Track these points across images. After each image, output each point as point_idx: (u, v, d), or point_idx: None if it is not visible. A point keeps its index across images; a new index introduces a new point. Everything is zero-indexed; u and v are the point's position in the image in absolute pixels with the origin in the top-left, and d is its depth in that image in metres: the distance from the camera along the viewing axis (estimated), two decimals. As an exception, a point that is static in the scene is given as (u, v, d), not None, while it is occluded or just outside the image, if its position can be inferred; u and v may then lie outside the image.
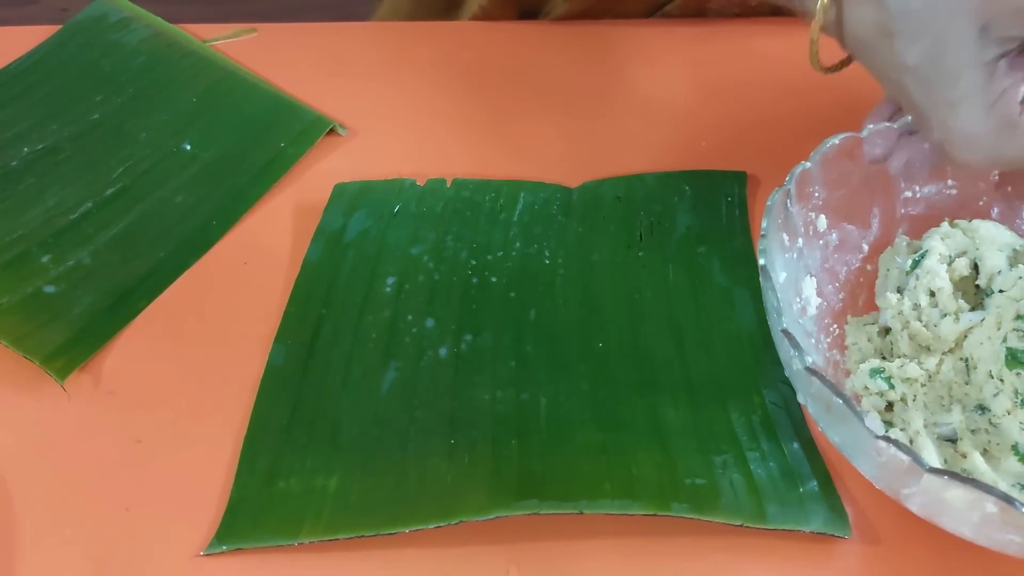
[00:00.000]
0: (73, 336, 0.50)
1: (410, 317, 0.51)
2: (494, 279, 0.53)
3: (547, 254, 0.54)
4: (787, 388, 0.47)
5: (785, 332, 0.39)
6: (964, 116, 0.40)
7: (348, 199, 0.57)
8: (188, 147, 0.61)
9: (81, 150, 0.61)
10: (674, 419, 0.46)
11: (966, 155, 0.42)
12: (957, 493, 0.35)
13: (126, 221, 0.56)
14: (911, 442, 0.42)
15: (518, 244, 0.55)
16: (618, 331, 0.50)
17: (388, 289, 0.52)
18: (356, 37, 0.71)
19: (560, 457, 0.44)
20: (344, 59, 0.69)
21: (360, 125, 0.63)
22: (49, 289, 0.52)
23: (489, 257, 0.54)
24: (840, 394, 0.36)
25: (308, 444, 0.45)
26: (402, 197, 0.57)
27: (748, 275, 0.52)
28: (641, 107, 0.63)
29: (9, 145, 0.61)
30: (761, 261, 0.42)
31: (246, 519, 0.43)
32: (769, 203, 0.44)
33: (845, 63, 0.49)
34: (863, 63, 0.45)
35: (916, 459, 0.35)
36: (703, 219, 0.55)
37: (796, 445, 0.45)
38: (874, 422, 0.36)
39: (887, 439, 0.35)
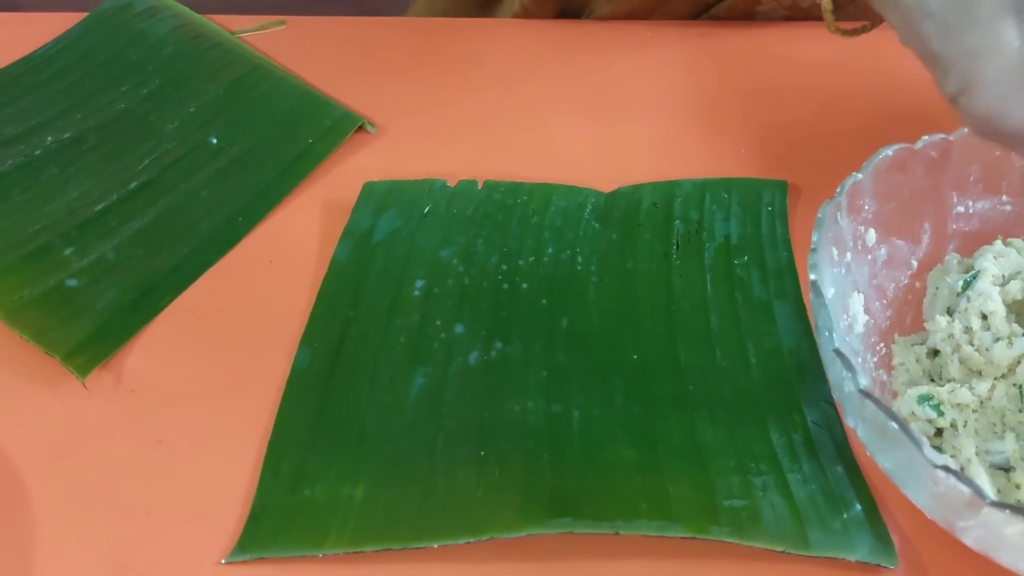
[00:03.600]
0: (95, 332, 0.49)
1: (439, 322, 0.49)
2: (525, 285, 0.51)
3: (580, 261, 0.53)
4: (829, 407, 0.45)
5: (837, 352, 0.37)
6: (985, 66, 0.38)
7: (377, 198, 0.56)
8: (214, 140, 0.60)
9: (106, 140, 0.60)
10: (711, 437, 0.44)
11: (977, 108, 0.39)
12: (1019, 528, 0.33)
13: (150, 215, 0.55)
14: (962, 470, 0.40)
15: (550, 250, 0.53)
16: (653, 343, 0.48)
17: (417, 292, 0.51)
18: (388, 32, 0.69)
19: (594, 474, 0.42)
20: (375, 54, 0.67)
21: (390, 123, 0.62)
22: (71, 283, 0.51)
23: (520, 262, 0.52)
24: (897, 419, 0.35)
25: (334, 451, 0.44)
26: (432, 198, 0.56)
27: (789, 288, 0.50)
28: (680, 111, 0.62)
29: (33, 133, 0.60)
30: (811, 276, 0.40)
31: (270, 527, 0.41)
32: (820, 215, 0.42)
33: (865, 28, 0.48)
34: (881, 12, 0.43)
35: (977, 491, 0.33)
36: (742, 228, 0.54)
37: (839, 467, 0.43)
38: (933, 451, 0.34)
39: (947, 469, 0.33)
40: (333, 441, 0.44)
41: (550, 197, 0.56)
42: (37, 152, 0.59)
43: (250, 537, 0.41)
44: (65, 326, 0.49)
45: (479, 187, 0.56)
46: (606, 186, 0.57)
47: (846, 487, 0.42)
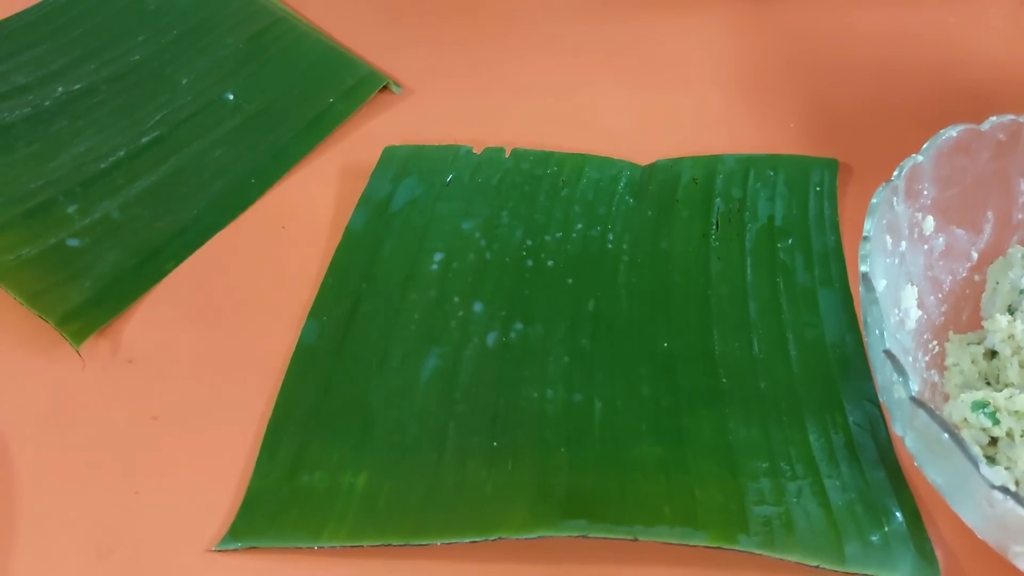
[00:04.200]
0: (93, 296, 0.46)
1: (457, 299, 0.46)
2: (551, 262, 0.48)
3: (611, 238, 0.49)
4: (873, 407, 0.42)
5: (888, 354, 0.33)
6: None
7: (398, 164, 0.52)
8: (231, 97, 0.57)
9: (118, 93, 0.57)
10: (744, 435, 0.41)
11: None
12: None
13: (159, 173, 0.52)
14: (1018, 484, 0.36)
15: (579, 225, 0.50)
16: (686, 330, 0.45)
17: (435, 266, 0.48)
18: (418, -13, 0.66)
19: (614, 472, 0.39)
20: (404, 10, 0.64)
21: (416, 83, 0.58)
22: (72, 243, 0.49)
23: (547, 238, 0.49)
24: (952, 433, 0.31)
25: (337, 435, 0.41)
26: (456, 165, 0.52)
27: (835, 275, 0.47)
28: (726, 80, 0.58)
29: (44, 83, 0.57)
30: (863, 268, 0.36)
31: (264, 514, 0.39)
32: (875, 200, 0.38)
33: None
34: None
35: (1039, 518, 0.29)
36: (788, 209, 0.50)
37: (881, 473, 0.39)
38: (992, 469, 0.30)
39: (1004, 491, 0.30)
40: (337, 424, 0.42)
41: (582, 168, 0.52)
42: (47, 103, 0.56)
43: (243, 524, 0.38)
44: (62, 289, 0.46)
45: (506, 155, 0.53)
46: (643, 159, 0.53)
47: (888, 495, 0.39)
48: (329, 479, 0.40)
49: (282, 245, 0.50)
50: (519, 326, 0.45)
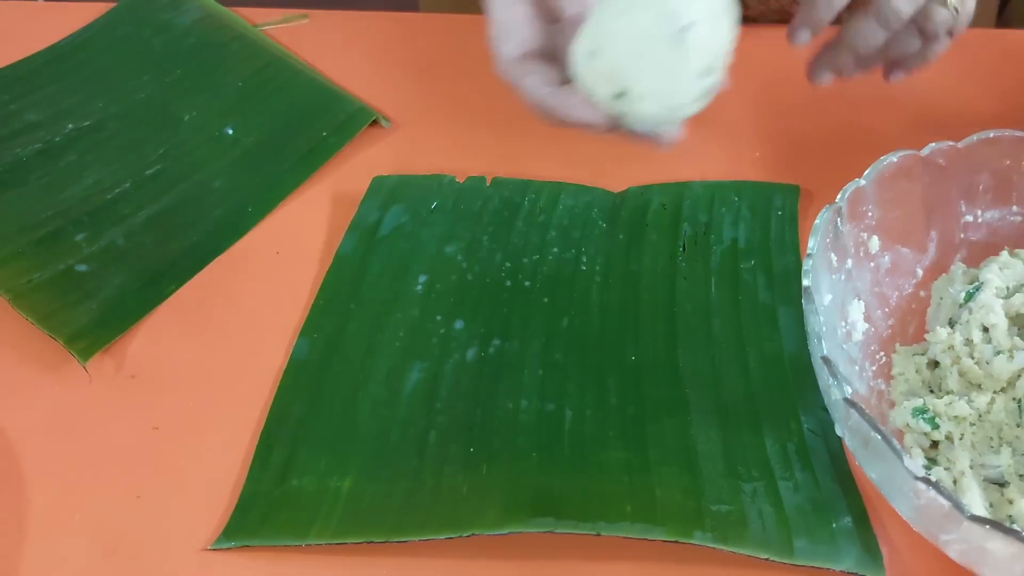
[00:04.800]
0: (100, 317, 0.50)
1: (439, 317, 0.49)
2: (528, 283, 0.51)
3: (584, 260, 0.52)
4: (827, 416, 0.44)
5: (824, 359, 0.37)
6: None
7: (386, 193, 0.56)
8: (230, 131, 0.60)
9: (124, 129, 0.61)
10: (704, 441, 0.44)
11: None
12: (999, 544, 0.32)
13: (162, 203, 0.56)
14: (955, 483, 0.39)
15: (555, 248, 0.53)
16: (653, 345, 0.48)
17: (419, 288, 0.51)
18: (407, 28, 0.69)
19: (581, 474, 0.42)
20: (393, 50, 0.67)
21: (403, 118, 0.62)
22: (81, 268, 0.52)
23: (524, 260, 0.52)
24: (879, 429, 0.34)
25: (325, 442, 0.44)
26: (440, 194, 0.56)
27: (794, 294, 0.50)
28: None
29: (54, 121, 0.61)
30: (805, 282, 0.40)
31: (256, 515, 0.42)
32: (818, 222, 0.41)
33: None
34: None
35: (956, 505, 0.32)
36: (751, 232, 0.53)
37: (832, 477, 0.42)
38: (914, 462, 0.33)
39: (927, 481, 0.33)
40: (325, 433, 0.45)
41: (558, 195, 0.56)
42: (57, 139, 0.60)
43: (236, 525, 0.41)
44: (71, 310, 0.49)
45: (487, 184, 0.56)
46: (616, 186, 0.56)
47: (838, 497, 0.41)
48: (317, 483, 0.43)
49: (276, 268, 0.53)
50: (497, 342, 0.48)
